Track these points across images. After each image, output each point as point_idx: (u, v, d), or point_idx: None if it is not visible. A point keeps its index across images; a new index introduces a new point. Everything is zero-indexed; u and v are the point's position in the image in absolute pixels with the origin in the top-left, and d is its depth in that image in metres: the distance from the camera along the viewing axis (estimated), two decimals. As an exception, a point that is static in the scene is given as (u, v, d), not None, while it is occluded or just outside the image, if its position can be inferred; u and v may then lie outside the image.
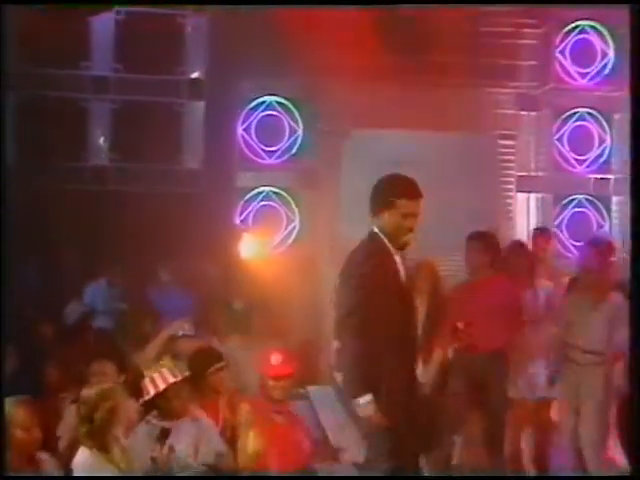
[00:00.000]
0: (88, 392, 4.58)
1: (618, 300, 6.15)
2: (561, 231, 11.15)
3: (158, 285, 9.36)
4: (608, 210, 11.40)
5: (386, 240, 4.36)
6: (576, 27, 11.10)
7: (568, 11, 10.98)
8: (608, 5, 9.99)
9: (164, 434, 4.84)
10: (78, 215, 9.52)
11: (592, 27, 11.10)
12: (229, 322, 7.41)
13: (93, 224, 9.48)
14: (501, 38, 10.72)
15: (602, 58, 11.21)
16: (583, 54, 11.20)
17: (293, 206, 10.74)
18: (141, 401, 4.95)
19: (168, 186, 10.23)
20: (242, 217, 10.61)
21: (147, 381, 4.93)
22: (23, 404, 4.47)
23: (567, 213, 11.34)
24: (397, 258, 4.39)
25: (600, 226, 11.34)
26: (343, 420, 6.86)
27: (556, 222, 11.25)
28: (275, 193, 10.70)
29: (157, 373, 4.96)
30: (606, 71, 11.18)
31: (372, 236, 4.39)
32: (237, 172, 10.61)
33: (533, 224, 11.30)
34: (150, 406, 4.95)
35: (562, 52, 11.15)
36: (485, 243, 6.41)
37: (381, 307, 4.21)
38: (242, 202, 10.59)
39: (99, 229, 9.47)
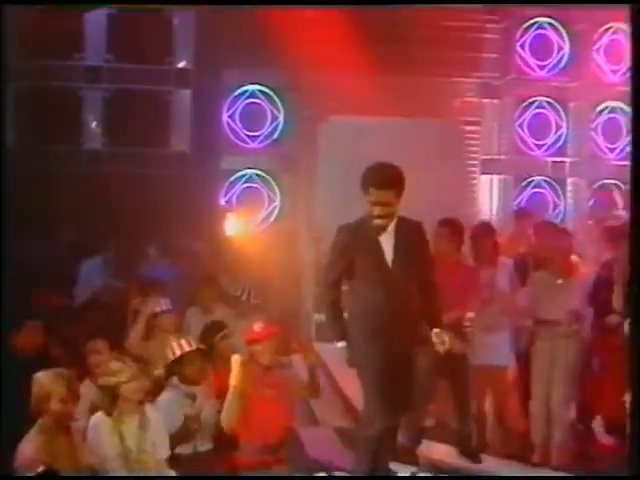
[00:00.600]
0: (114, 364, 4.70)
1: (579, 275, 6.37)
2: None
3: (149, 262, 9.41)
4: (563, 191, 11.84)
5: (369, 219, 4.65)
6: (534, 23, 11.45)
7: (527, 8, 11.30)
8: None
9: (191, 397, 5.08)
10: (74, 196, 9.70)
11: (549, 24, 11.45)
12: (216, 296, 7.47)
13: (87, 204, 9.66)
14: (466, 33, 11.02)
15: (558, 52, 11.56)
16: (541, 48, 11.53)
17: (274, 187, 10.97)
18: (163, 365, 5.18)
19: (157, 168, 10.47)
20: (227, 197, 10.85)
21: (173, 346, 5.17)
22: (61, 376, 4.39)
23: (526, 193, 11.75)
24: (383, 233, 4.61)
25: (556, 205, 11.77)
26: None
27: (516, 201, 11.67)
28: (258, 175, 10.91)
29: (175, 342, 5.21)
30: (562, 64, 11.56)
31: (362, 217, 4.70)
32: (222, 156, 10.80)
33: (495, 203, 11.82)
34: (169, 373, 5.18)
35: (522, 46, 11.49)
36: (453, 229, 6.49)
37: (357, 272, 4.60)
38: (227, 183, 10.82)
39: (93, 209, 9.64)
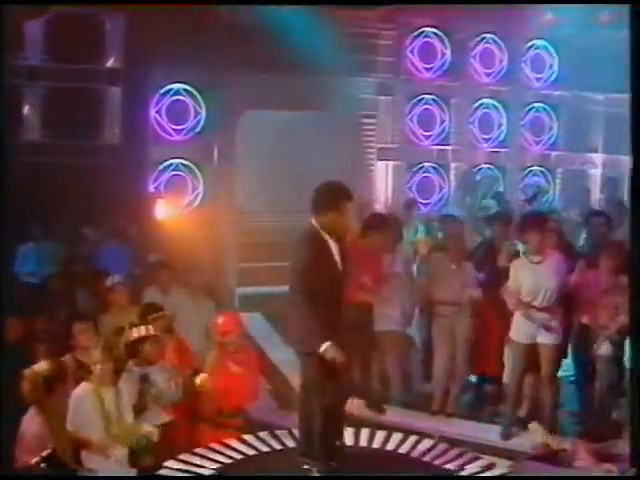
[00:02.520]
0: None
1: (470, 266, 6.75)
2: (412, 192, 12.46)
3: (98, 243, 9.59)
4: (448, 175, 12.83)
5: (324, 233, 4.73)
6: (422, 32, 12.38)
7: (415, 18, 12.19)
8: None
9: (144, 377, 5.30)
10: (13, 185, 9.98)
11: (434, 33, 12.42)
12: (172, 277, 7.51)
13: (26, 193, 9.24)
14: (365, 39, 11.77)
15: (441, 56, 12.54)
16: (427, 53, 12.49)
17: (198, 175, 11.24)
18: (122, 346, 5.26)
19: (91, 159, 10.55)
20: (155, 185, 11.07)
21: (131, 332, 5.39)
22: (58, 365, 4.75)
23: (416, 178, 12.70)
24: (332, 244, 4.77)
25: (441, 188, 12.76)
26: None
27: (408, 185, 12.59)
28: (183, 165, 11.17)
29: (135, 328, 5.44)
30: (445, 67, 12.54)
31: (313, 230, 4.75)
32: (150, 147, 10.98)
33: (390, 186, 12.58)
34: (131, 354, 5.33)
35: (411, 51, 12.42)
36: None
37: (320, 281, 4.67)
38: (155, 172, 11.04)
39: (31, 197, 9.48)
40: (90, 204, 9.96)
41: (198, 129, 11.32)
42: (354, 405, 6.45)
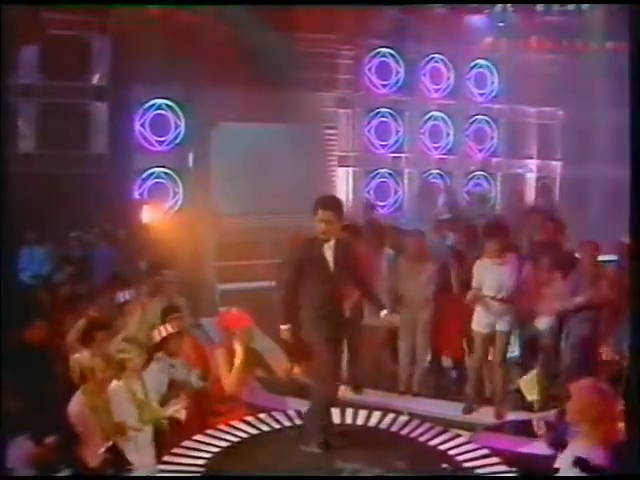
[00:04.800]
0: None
1: (431, 265, 7.04)
2: (370, 195, 12.97)
3: (88, 245, 9.70)
4: (402, 179, 13.37)
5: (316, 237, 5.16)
6: (378, 52, 12.89)
7: (372, 40, 12.70)
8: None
9: (172, 365, 5.57)
10: (10, 195, 10.03)
11: (389, 53, 12.95)
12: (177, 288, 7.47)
13: (22, 201, 9.74)
14: (327, 58, 12.27)
15: (396, 74, 13.11)
16: (383, 71, 13.04)
17: (178, 182, 11.62)
18: (152, 343, 5.56)
19: (80, 168, 10.81)
20: (140, 191, 11.43)
21: (156, 332, 5.68)
22: (97, 354, 4.97)
23: (374, 183, 13.21)
24: (326, 245, 5.13)
25: (396, 191, 13.30)
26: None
27: (366, 189, 13.10)
28: (164, 173, 11.53)
29: (162, 327, 5.68)
30: (399, 83, 13.11)
31: (310, 237, 5.20)
32: (135, 157, 11.28)
33: (351, 190, 13.01)
34: (156, 349, 5.61)
35: (369, 69, 12.95)
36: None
37: (308, 275, 5.14)
38: (139, 180, 11.39)
39: (26, 204, 9.10)
40: (80, 210, 10.13)
41: (178, 140, 11.65)
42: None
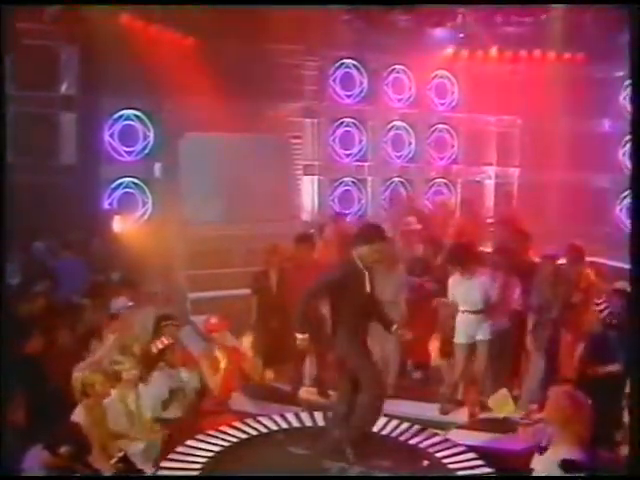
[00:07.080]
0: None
1: (403, 271, 7.36)
2: (334, 204, 13.28)
3: (54, 256, 9.52)
4: (365, 187, 13.66)
5: (359, 262, 5.53)
6: (343, 63, 13.20)
7: (337, 51, 13.01)
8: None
9: (172, 374, 6.00)
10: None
11: (353, 64, 13.21)
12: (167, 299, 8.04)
13: None
14: (292, 69, 12.48)
15: (359, 85, 13.35)
16: (347, 82, 13.31)
17: (146, 192, 11.72)
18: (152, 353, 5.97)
19: (49, 177, 10.72)
20: (109, 201, 11.48)
21: (153, 346, 6.06)
22: (96, 369, 5.27)
23: (338, 191, 13.47)
24: (365, 271, 5.56)
25: (360, 199, 13.61)
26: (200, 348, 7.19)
27: (331, 197, 13.38)
28: (133, 183, 11.61)
29: (159, 340, 6.09)
30: (362, 93, 13.34)
31: (350, 259, 5.57)
32: (104, 167, 11.33)
33: (316, 198, 13.28)
34: (157, 359, 6.00)
35: (334, 80, 13.23)
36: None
37: (348, 295, 5.50)
38: (109, 190, 11.45)
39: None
40: (48, 220, 10.10)
41: (147, 150, 11.77)
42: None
